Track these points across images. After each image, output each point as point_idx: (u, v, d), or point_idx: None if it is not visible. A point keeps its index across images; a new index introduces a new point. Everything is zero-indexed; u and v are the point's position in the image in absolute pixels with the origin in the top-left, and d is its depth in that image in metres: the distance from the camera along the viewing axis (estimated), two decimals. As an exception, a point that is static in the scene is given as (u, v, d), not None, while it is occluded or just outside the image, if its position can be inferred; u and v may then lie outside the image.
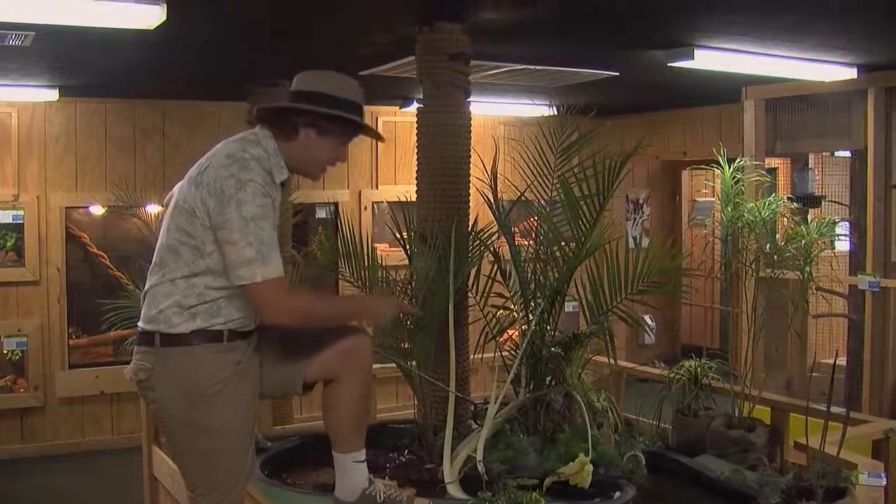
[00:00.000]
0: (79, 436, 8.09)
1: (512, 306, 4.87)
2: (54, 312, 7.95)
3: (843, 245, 6.79)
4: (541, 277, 4.70)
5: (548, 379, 4.69)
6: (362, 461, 3.62)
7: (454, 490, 4.04)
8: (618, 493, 3.97)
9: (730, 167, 5.20)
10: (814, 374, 4.63)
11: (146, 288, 3.32)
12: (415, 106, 5.13)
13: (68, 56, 5.87)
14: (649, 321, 10.25)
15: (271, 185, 3.22)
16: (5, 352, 7.88)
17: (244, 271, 3.09)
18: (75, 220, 8.12)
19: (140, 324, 3.32)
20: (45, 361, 7.93)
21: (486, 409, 4.38)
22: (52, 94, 7.26)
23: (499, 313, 4.95)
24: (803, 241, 5.06)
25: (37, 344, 7.88)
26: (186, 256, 3.20)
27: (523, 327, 4.66)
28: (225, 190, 3.10)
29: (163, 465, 5.19)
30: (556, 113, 4.83)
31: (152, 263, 3.32)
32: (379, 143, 3.60)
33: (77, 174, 8.00)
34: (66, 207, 7.98)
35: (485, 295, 4.90)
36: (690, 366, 5.19)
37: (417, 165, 5.01)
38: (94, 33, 4.77)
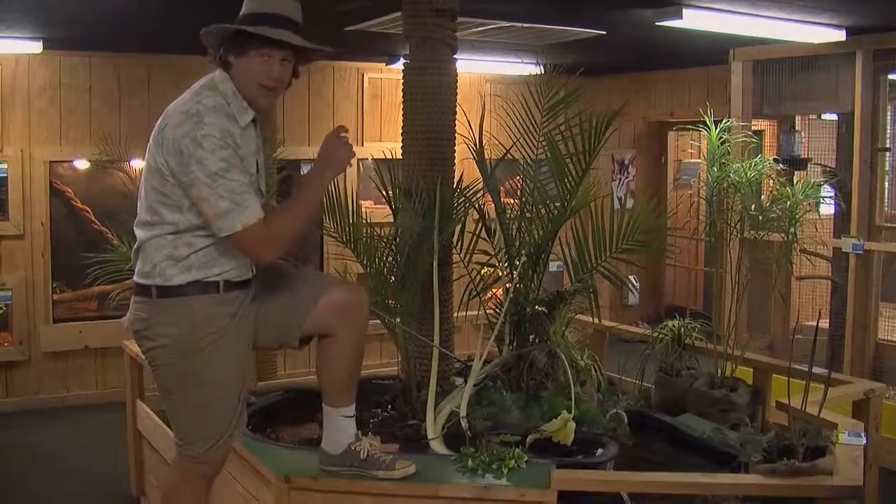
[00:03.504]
0: (63, 390, 8.07)
1: (496, 264, 4.88)
2: (38, 267, 7.90)
3: (827, 208, 6.81)
4: (525, 235, 4.70)
5: (531, 337, 4.71)
6: (351, 416, 3.63)
7: (437, 446, 4.06)
8: (600, 451, 4.00)
9: (716, 128, 5.20)
10: (796, 336, 4.65)
11: (137, 244, 3.31)
12: (401, 63, 5.10)
13: (53, 8, 5.81)
14: (633, 282, 10.29)
15: (234, 131, 3.16)
16: (-11, 306, 7.86)
17: (223, 223, 3.10)
18: (59, 174, 8.06)
19: (135, 278, 3.32)
20: (30, 316, 7.90)
21: (471, 366, 4.40)
22: (36, 47, 7.18)
23: (483, 271, 4.96)
24: (788, 203, 5.07)
25: (21, 298, 7.85)
26: (168, 216, 3.19)
27: (507, 285, 4.67)
28: (183, 150, 3.07)
29: (147, 420, 5.20)
30: (542, 71, 4.81)
31: (137, 218, 3.31)
32: (326, 56, 3.42)
33: (61, 128, 7.93)
34: (51, 161, 7.90)
35: (469, 252, 4.91)
36: (674, 326, 5.22)
37: (403, 122, 4.98)
38: (78, -16, 4.72)
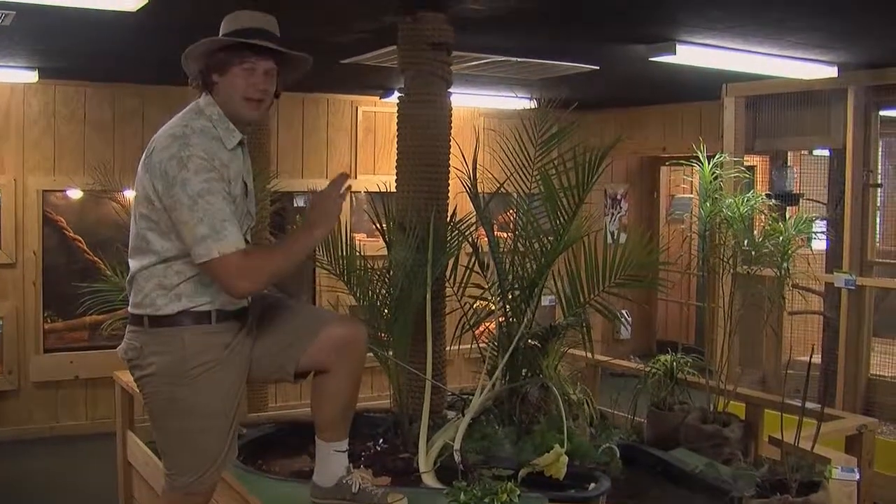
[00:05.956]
0: (52, 420, 8.04)
1: (489, 297, 4.87)
2: (30, 296, 7.89)
3: (819, 243, 6.82)
4: (519, 269, 4.70)
5: (524, 371, 4.70)
6: (344, 451, 3.63)
7: (429, 479, 4.04)
8: (592, 485, 3.99)
9: (709, 163, 5.22)
10: (789, 371, 4.65)
11: (129, 275, 3.31)
12: (395, 96, 5.11)
13: (49, 37, 5.82)
14: (626, 316, 10.30)
15: (220, 155, 3.16)
16: (-20, 335, 7.83)
17: (200, 249, 3.05)
18: (52, 203, 8.06)
19: (129, 308, 3.31)
20: (20, 345, 7.88)
21: (465, 399, 4.39)
22: (31, 76, 7.20)
23: (476, 304, 4.96)
24: (781, 238, 5.08)
25: (11, 327, 7.83)
26: (156, 244, 3.18)
27: (500, 319, 4.67)
28: (169, 172, 3.06)
29: (137, 451, 5.18)
30: (536, 105, 4.83)
31: (129, 248, 3.30)
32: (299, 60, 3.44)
33: (55, 157, 7.94)
34: (44, 191, 7.91)
35: (462, 286, 4.91)
36: (666, 360, 5.21)
37: (397, 155, 4.99)
38: (75, 14, 4.73)
